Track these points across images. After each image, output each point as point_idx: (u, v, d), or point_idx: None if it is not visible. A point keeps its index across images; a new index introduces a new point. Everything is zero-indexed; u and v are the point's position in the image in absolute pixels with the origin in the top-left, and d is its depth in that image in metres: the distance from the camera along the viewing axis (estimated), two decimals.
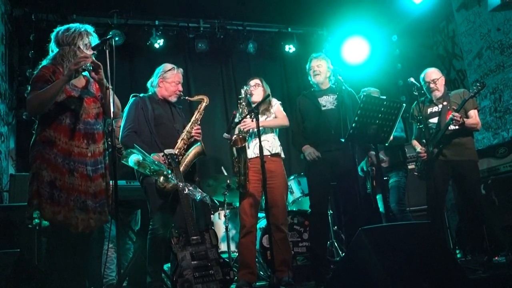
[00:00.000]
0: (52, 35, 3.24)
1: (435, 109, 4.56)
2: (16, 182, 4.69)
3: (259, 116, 4.14)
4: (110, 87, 3.12)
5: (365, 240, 2.74)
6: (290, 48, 7.19)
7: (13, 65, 5.92)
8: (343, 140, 3.99)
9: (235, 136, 4.12)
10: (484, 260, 4.16)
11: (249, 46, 6.99)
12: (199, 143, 3.97)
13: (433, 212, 4.35)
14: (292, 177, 5.58)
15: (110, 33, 6.16)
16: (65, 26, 3.26)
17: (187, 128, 3.97)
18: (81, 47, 3.19)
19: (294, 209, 5.43)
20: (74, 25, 3.27)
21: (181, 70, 4.19)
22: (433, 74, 4.64)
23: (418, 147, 4.61)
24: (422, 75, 4.72)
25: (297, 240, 5.07)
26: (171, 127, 3.98)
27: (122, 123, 3.92)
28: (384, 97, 4.49)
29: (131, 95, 4.02)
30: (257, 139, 4.22)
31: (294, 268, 4.61)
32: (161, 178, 3.61)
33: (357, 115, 3.77)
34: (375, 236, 2.76)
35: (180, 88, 4.12)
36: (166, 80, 4.08)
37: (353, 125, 3.79)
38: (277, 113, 4.42)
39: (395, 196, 5.15)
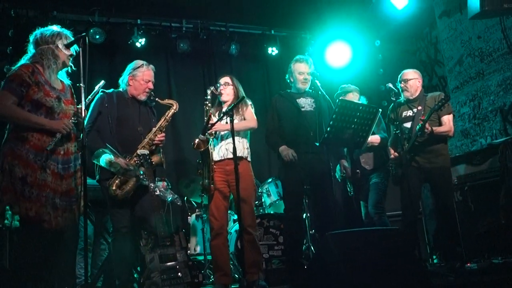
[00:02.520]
0: (31, 37, 3.28)
1: (409, 113, 4.54)
2: None
3: (226, 122, 4.09)
4: (82, 85, 3.13)
5: (331, 244, 2.74)
6: (273, 51, 7.15)
7: None
8: (317, 144, 4.00)
9: (197, 139, 4.05)
10: (457, 266, 4.17)
11: (231, 48, 6.94)
12: (159, 154, 3.89)
13: (407, 218, 4.36)
14: (270, 179, 5.56)
15: (92, 30, 6.12)
16: (44, 28, 3.32)
17: (150, 135, 3.86)
18: (60, 46, 3.25)
19: (271, 212, 5.40)
20: (53, 27, 3.34)
21: (152, 67, 4.04)
22: (408, 74, 4.64)
23: (390, 151, 4.62)
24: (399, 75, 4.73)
25: (272, 243, 5.05)
26: (134, 130, 3.87)
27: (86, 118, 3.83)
28: (360, 102, 4.51)
29: (100, 90, 3.95)
30: (222, 143, 4.20)
31: (269, 271, 4.61)
32: (114, 186, 3.60)
33: (332, 119, 3.78)
34: (341, 241, 2.76)
35: (150, 86, 3.98)
36: (136, 78, 3.95)
37: (328, 129, 3.80)
38: (246, 115, 4.33)
39: (373, 199, 5.11)
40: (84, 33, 3.28)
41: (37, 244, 3.02)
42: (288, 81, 4.58)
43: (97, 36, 6.15)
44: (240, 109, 4.30)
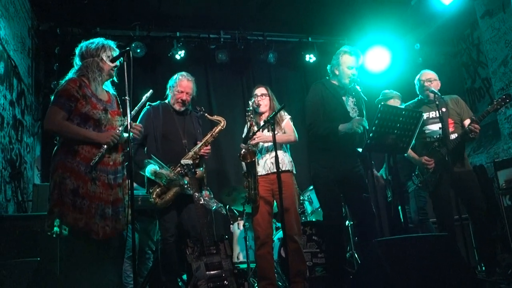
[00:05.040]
0: (77, 50, 3.36)
1: (432, 114, 4.41)
2: (39, 192, 4.80)
3: (265, 130, 4.12)
4: (127, 98, 3.20)
5: (378, 252, 2.70)
6: (310, 58, 7.17)
7: (39, 77, 6.10)
8: (360, 150, 3.94)
9: (243, 150, 4.04)
10: (508, 273, 4.03)
11: (269, 56, 7.01)
12: (201, 169, 3.96)
13: (446, 225, 4.21)
14: (311, 187, 5.52)
15: (133, 45, 6.30)
16: (89, 41, 3.38)
17: (196, 148, 3.94)
18: (104, 58, 3.30)
19: (313, 220, 5.37)
20: (97, 39, 3.39)
21: (189, 77, 4.14)
22: (432, 74, 4.56)
23: (416, 156, 4.43)
24: (418, 76, 4.63)
25: (315, 251, 4.99)
26: (179, 143, 3.97)
27: None
28: (402, 107, 4.43)
29: (147, 104, 4.06)
30: (267, 156, 4.18)
31: (313, 279, 4.57)
32: (154, 194, 3.67)
33: (374, 125, 3.68)
34: (388, 248, 2.72)
35: (183, 97, 4.06)
36: (172, 89, 4.11)
37: (371, 135, 3.70)
38: (286, 128, 4.31)
39: (414, 205, 5.02)
40: (128, 47, 3.35)
41: (85, 254, 3.09)
42: (329, 70, 4.30)
43: (138, 50, 6.35)
44: (279, 122, 4.27)
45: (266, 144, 4.24)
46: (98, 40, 3.38)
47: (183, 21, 6.69)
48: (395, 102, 5.04)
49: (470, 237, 5.52)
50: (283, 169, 4.09)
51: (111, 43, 3.40)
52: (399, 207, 5.10)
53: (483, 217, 4.24)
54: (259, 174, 4.15)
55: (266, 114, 4.31)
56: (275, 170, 4.02)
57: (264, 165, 4.21)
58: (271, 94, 4.40)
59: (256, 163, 4.12)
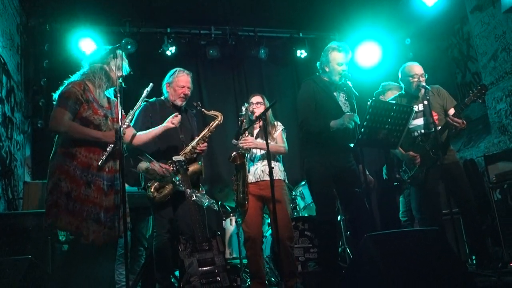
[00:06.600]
0: (86, 54, 3.38)
1: (415, 108, 4.34)
2: (29, 190, 4.77)
3: (259, 138, 4.14)
4: (118, 95, 3.20)
5: (370, 246, 2.72)
6: (301, 53, 7.17)
7: (28, 74, 6.03)
8: (351, 145, 3.94)
9: (234, 153, 4.06)
10: (499, 266, 4.06)
11: (260, 52, 7.00)
12: (200, 163, 3.97)
13: (436, 220, 4.21)
14: (303, 182, 5.55)
15: (123, 41, 6.25)
16: (101, 46, 3.46)
17: (193, 143, 3.95)
18: (113, 68, 3.31)
19: (305, 215, 5.39)
20: (109, 47, 3.41)
21: (187, 72, 4.14)
22: (420, 68, 4.45)
23: (402, 151, 4.39)
24: (404, 69, 4.53)
25: (308, 246, 5.03)
26: (176, 138, 3.97)
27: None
28: (393, 102, 4.43)
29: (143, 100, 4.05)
30: (258, 164, 4.18)
31: (305, 274, 4.60)
32: (152, 188, 3.66)
33: (366, 120, 3.68)
34: (380, 242, 2.73)
35: (185, 91, 4.07)
36: (171, 85, 4.09)
37: (362, 130, 3.70)
38: (278, 139, 4.28)
39: (416, 203, 4.97)
40: (119, 44, 3.35)
41: (77, 254, 3.11)
42: (319, 67, 4.27)
43: (129, 47, 6.31)
44: (273, 132, 4.27)
45: (258, 153, 4.23)
46: (110, 48, 3.39)
47: (173, 17, 6.65)
48: (393, 94, 5.02)
49: (461, 230, 5.56)
50: (275, 178, 3.97)
51: (124, 55, 3.38)
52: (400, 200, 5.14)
53: (474, 209, 4.25)
54: (249, 181, 4.15)
55: (260, 123, 4.24)
56: (265, 178, 4.07)
57: (255, 173, 4.19)
58: (267, 102, 4.36)
59: (246, 167, 4.12)
